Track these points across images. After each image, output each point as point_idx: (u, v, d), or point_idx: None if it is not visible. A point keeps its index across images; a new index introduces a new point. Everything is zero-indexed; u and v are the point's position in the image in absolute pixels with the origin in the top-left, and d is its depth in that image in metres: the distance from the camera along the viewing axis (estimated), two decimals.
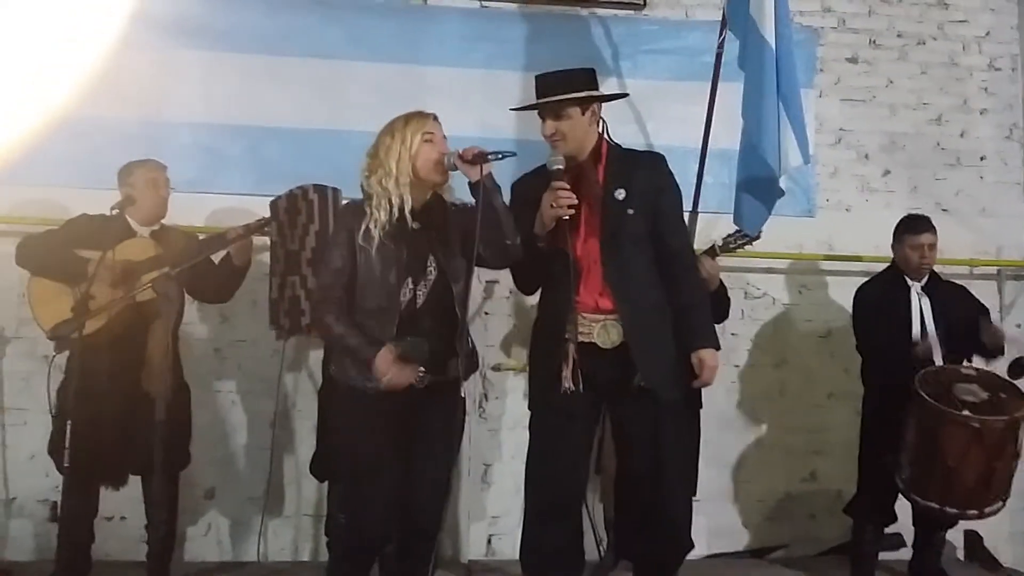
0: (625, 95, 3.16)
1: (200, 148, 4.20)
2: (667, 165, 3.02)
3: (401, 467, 2.76)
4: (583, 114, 2.89)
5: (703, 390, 3.26)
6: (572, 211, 2.77)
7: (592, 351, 2.85)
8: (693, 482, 3.81)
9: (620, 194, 2.88)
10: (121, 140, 3.99)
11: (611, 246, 2.87)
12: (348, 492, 2.89)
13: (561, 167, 2.81)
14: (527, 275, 3.05)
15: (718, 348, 2.94)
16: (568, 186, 2.78)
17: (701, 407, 3.85)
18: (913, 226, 3.92)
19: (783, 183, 3.73)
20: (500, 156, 2.68)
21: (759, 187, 3.78)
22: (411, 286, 2.71)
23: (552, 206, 2.77)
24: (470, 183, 2.69)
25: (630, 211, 2.88)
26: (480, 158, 2.64)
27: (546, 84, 2.91)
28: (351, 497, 2.86)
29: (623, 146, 3.04)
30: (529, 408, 3.04)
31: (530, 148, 3.04)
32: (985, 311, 3.95)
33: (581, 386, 2.82)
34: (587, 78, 2.94)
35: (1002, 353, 3.86)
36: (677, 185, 3.03)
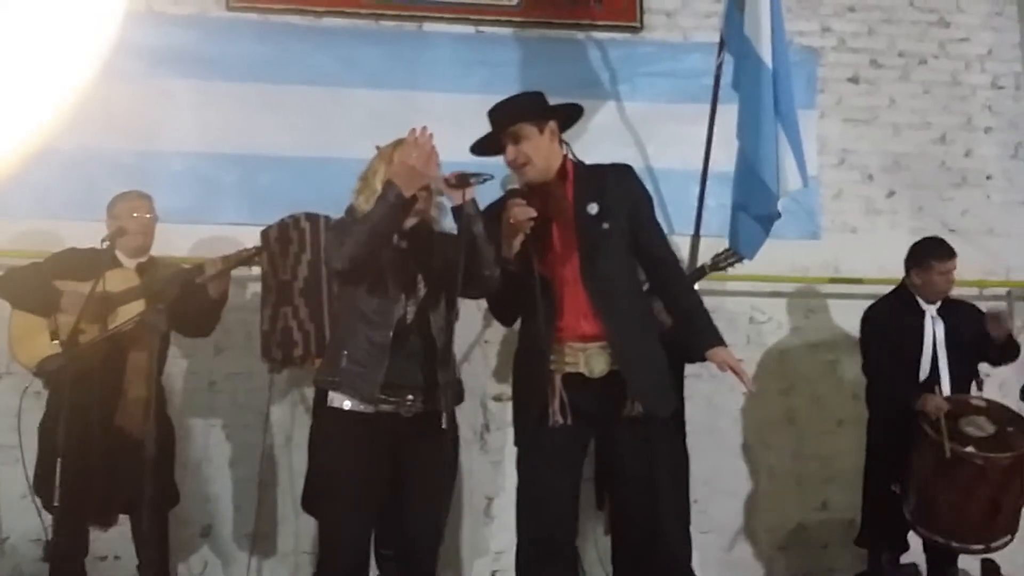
0: (579, 109, 3.00)
1: (193, 177, 4.15)
2: (636, 175, 2.96)
3: (384, 498, 2.68)
4: (541, 133, 2.81)
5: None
6: (531, 223, 2.66)
7: (578, 380, 2.75)
8: (688, 510, 3.74)
9: (593, 208, 2.80)
10: (114, 170, 3.96)
11: (590, 264, 2.78)
12: (323, 520, 2.82)
13: (516, 187, 2.76)
14: (503, 304, 2.95)
15: (725, 345, 2.85)
16: (524, 201, 2.68)
17: (686, 436, 3.80)
18: (939, 252, 3.84)
19: (780, 205, 3.66)
20: (483, 180, 2.61)
21: (756, 210, 3.70)
22: (403, 300, 2.66)
23: (511, 222, 2.66)
24: (453, 208, 2.64)
25: (605, 225, 2.79)
26: (463, 181, 2.57)
27: (498, 113, 2.85)
28: (325, 525, 2.79)
29: (587, 163, 2.96)
30: (515, 444, 2.92)
31: None
32: None
33: (569, 419, 2.73)
34: (537, 99, 2.89)
35: (1012, 349, 3.82)
36: (649, 193, 2.97)
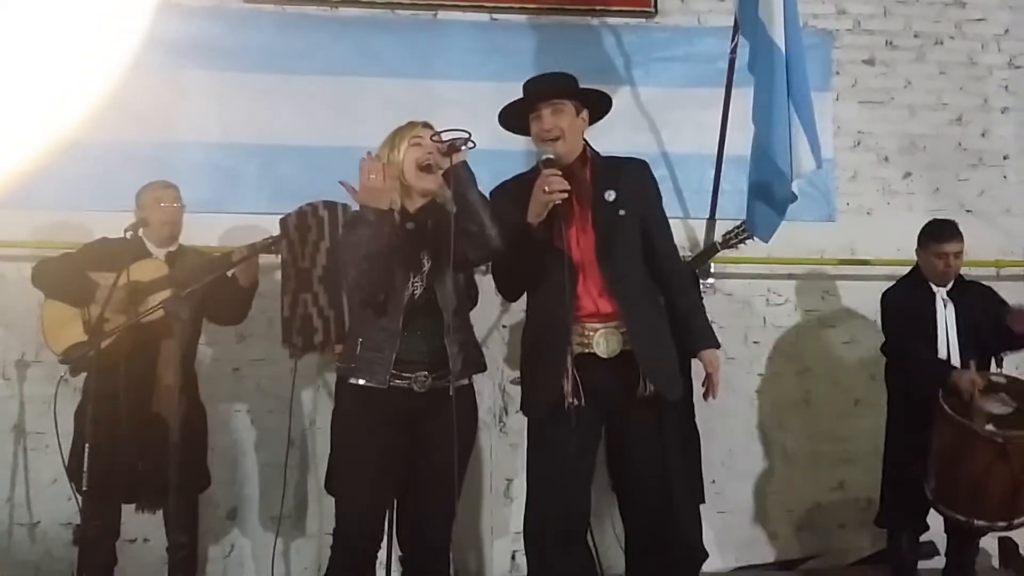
0: (609, 104, 3.06)
1: (214, 167, 4.21)
2: (650, 170, 3.02)
3: (399, 476, 2.74)
4: (577, 115, 2.90)
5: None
6: (564, 195, 2.72)
7: (591, 361, 2.80)
8: (699, 489, 3.76)
9: (610, 195, 2.87)
10: (135, 162, 4.03)
11: (606, 246, 2.84)
12: (339, 494, 2.88)
13: (552, 157, 2.80)
14: (511, 275, 2.97)
15: (718, 347, 2.95)
16: (560, 172, 2.74)
17: (695, 415, 3.81)
18: (937, 233, 3.82)
19: (795, 187, 3.66)
20: (471, 145, 2.64)
21: (771, 192, 3.71)
22: (411, 279, 2.73)
23: (545, 191, 2.71)
24: (444, 175, 2.68)
25: (621, 212, 2.86)
26: (452, 148, 2.62)
27: (541, 83, 2.93)
28: (340, 499, 2.85)
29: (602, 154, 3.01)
30: (524, 414, 2.98)
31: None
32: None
33: (583, 400, 2.76)
34: (576, 82, 2.96)
35: None
36: (660, 191, 3.04)
